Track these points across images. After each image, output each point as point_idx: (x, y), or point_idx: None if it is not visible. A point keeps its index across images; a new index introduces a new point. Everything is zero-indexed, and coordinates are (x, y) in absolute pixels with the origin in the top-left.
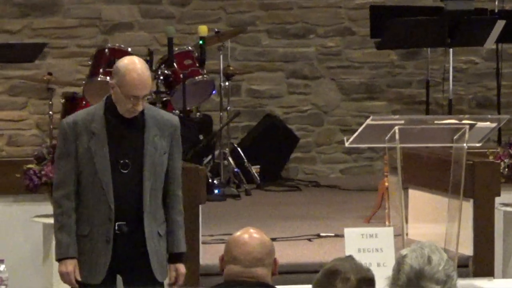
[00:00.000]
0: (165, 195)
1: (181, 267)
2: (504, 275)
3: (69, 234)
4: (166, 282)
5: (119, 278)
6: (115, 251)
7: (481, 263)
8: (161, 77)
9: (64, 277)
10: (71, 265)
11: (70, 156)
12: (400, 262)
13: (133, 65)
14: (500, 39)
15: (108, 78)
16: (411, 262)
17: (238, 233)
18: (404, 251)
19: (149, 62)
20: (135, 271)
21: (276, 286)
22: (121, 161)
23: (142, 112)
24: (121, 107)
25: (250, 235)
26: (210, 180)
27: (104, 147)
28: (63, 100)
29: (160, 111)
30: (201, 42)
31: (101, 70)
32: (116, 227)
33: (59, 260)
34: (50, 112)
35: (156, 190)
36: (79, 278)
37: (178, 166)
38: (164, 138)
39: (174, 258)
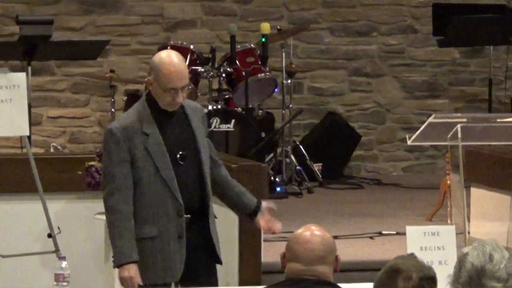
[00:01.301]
0: (213, 169)
1: (265, 214)
2: None
3: (130, 239)
4: None
5: None
6: (186, 244)
7: None
8: (224, 75)
9: (126, 282)
10: (133, 270)
11: (125, 162)
12: (461, 260)
13: (168, 58)
14: None
15: None
16: (472, 260)
17: (299, 231)
18: (465, 249)
19: (212, 60)
20: (205, 258)
21: (338, 284)
22: (178, 154)
23: (182, 105)
24: (162, 101)
25: (311, 233)
26: (272, 178)
27: (161, 145)
28: (125, 98)
29: (187, 100)
30: (263, 39)
31: None
32: (186, 220)
33: (120, 265)
34: (112, 109)
35: (210, 174)
36: (141, 283)
37: (210, 142)
38: (201, 124)
39: (256, 211)
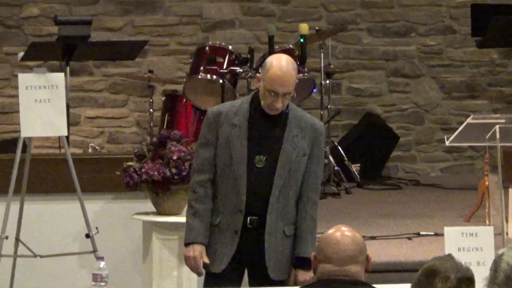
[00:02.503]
0: (299, 197)
1: (300, 274)
2: None
3: (201, 221)
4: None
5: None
6: (240, 243)
7: None
8: None
9: (189, 261)
10: (198, 250)
11: (210, 145)
12: (497, 261)
13: (278, 61)
14: None
15: (208, 76)
16: (508, 259)
17: (329, 232)
18: (501, 250)
19: (250, 60)
20: (252, 266)
21: (375, 285)
22: (257, 156)
23: (287, 112)
24: (263, 101)
25: (342, 233)
26: None
27: (244, 140)
28: (163, 98)
29: (306, 114)
30: (301, 40)
31: (201, 68)
32: (248, 221)
33: (186, 244)
34: (151, 110)
35: (287, 189)
36: (207, 261)
37: (316, 171)
38: (305, 141)
39: (297, 262)
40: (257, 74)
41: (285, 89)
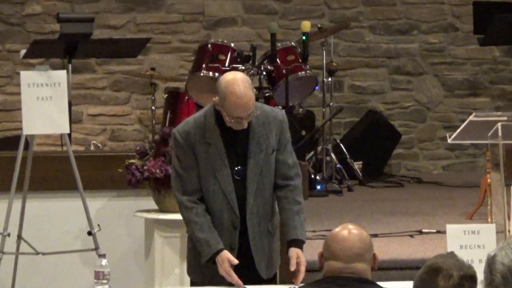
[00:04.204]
0: (275, 188)
1: (291, 251)
2: None
3: (210, 231)
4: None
5: None
6: (237, 257)
7: None
8: (264, 73)
9: (226, 277)
10: (225, 262)
11: (192, 167)
12: (491, 263)
13: (232, 87)
14: None
15: (210, 73)
16: (502, 260)
17: (336, 230)
18: (491, 252)
19: (252, 58)
20: (245, 271)
21: (378, 282)
22: (236, 168)
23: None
24: (227, 123)
25: (349, 231)
26: (312, 176)
27: (223, 156)
28: (165, 95)
29: (264, 108)
30: (304, 37)
31: (203, 66)
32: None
33: (210, 260)
34: (153, 107)
35: (263, 190)
36: (236, 262)
37: (284, 158)
38: (271, 135)
39: (289, 244)
40: (214, 99)
41: (246, 113)
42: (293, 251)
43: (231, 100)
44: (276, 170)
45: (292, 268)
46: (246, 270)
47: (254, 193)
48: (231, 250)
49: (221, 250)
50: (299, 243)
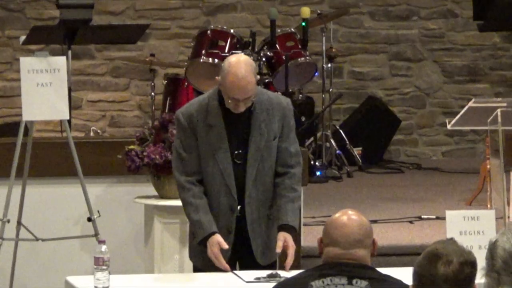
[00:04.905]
0: (275, 175)
1: (280, 235)
2: None
3: (206, 213)
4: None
5: None
6: (234, 241)
7: None
8: (264, 59)
9: (213, 260)
10: (215, 245)
11: (193, 148)
12: (492, 248)
13: (235, 68)
14: None
15: (210, 59)
16: (503, 245)
17: (336, 215)
18: (493, 238)
19: (252, 44)
20: (243, 257)
21: (377, 268)
22: (236, 152)
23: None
24: (226, 104)
25: (348, 217)
26: (312, 162)
27: (223, 139)
28: (165, 82)
29: (269, 94)
30: (303, 24)
31: (203, 52)
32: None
33: (201, 242)
34: (152, 93)
35: (263, 176)
36: (226, 246)
37: (286, 146)
38: (274, 122)
39: (279, 229)
40: (217, 77)
41: (243, 95)
42: (281, 235)
43: (230, 80)
44: (278, 157)
45: (278, 249)
46: (244, 256)
47: (254, 178)
48: (228, 234)
49: (213, 233)
50: (288, 228)
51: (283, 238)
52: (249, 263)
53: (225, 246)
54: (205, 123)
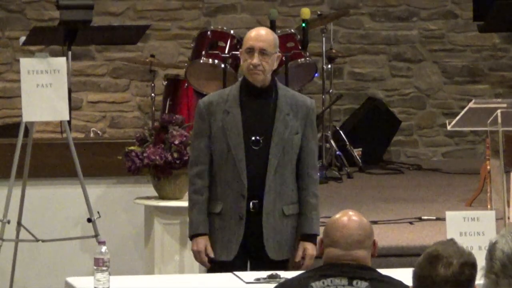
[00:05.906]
0: (298, 176)
1: (309, 247)
2: None
3: (199, 212)
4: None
5: None
6: (246, 228)
7: None
8: None
9: (195, 255)
10: (201, 243)
11: (204, 135)
12: (491, 250)
13: (257, 27)
14: None
15: (210, 60)
16: (502, 247)
17: (336, 216)
18: (493, 239)
19: None
20: (255, 248)
21: (378, 269)
22: (252, 138)
23: (276, 91)
24: (245, 69)
25: (349, 218)
26: None
27: (238, 124)
28: (165, 82)
29: (295, 93)
30: (303, 24)
31: (203, 53)
32: (251, 205)
33: (190, 238)
34: (152, 94)
35: (283, 168)
36: (211, 255)
37: (311, 148)
38: (296, 119)
39: (303, 238)
40: (240, 50)
41: (260, 43)
42: (302, 245)
43: (250, 31)
44: (302, 157)
45: (296, 259)
46: (254, 249)
47: (275, 169)
48: (239, 219)
49: (199, 235)
50: (312, 238)
51: (303, 248)
52: (259, 256)
53: (211, 254)
54: (223, 109)
